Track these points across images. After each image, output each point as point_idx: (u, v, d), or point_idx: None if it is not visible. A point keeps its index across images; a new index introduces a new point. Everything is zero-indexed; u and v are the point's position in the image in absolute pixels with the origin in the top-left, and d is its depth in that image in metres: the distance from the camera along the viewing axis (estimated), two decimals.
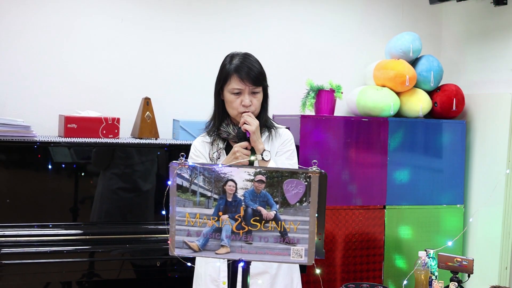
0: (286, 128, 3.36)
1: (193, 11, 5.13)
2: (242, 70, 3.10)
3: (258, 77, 3.12)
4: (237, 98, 3.13)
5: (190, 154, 3.29)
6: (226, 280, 3.07)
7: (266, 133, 3.24)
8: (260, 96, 3.17)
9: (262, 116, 3.21)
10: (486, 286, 3.17)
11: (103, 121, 4.51)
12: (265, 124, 3.24)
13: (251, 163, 3.01)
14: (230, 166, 2.30)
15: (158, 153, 4.49)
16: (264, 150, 3.06)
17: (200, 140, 3.30)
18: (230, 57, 3.20)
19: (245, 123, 3.06)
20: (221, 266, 3.15)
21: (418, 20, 5.69)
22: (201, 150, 3.25)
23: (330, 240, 4.73)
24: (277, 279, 3.23)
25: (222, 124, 3.21)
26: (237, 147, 3.05)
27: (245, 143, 3.05)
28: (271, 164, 3.05)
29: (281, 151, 3.24)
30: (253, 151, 3.06)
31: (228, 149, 3.20)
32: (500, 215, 4.78)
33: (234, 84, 3.12)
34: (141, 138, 4.62)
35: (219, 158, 3.19)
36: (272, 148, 3.22)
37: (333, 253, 4.74)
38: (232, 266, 2.38)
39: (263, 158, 3.04)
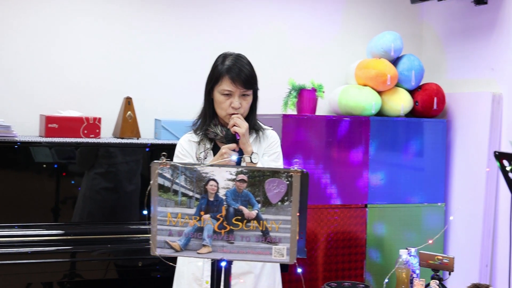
0: (273, 129, 3.36)
1: (175, 10, 5.12)
2: (234, 72, 3.10)
3: (249, 80, 3.12)
4: (227, 100, 3.12)
5: (176, 152, 3.27)
6: (209, 279, 3.08)
7: (254, 135, 3.24)
8: (250, 99, 3.17)
9: (250, 118, 3.21)
10: (467, 284, 3.19)
11: (84, 121, 4.50)
12: (253, 126, 3.24)
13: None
14: (211, 165, 2.30)
15: (141, 153, 4.48)
16: (253, 152, 3.07)
17: (186, 139, 3.28)
18: (223, 57, 3.19)
19: (235, 125, 3.07)
20: (205, 265, 3.15)
21: (399, 19, 5.71)
22: (188, 149, 3.24)
23: (312, 239, 4.73)
24: (261, 279, 3.23)
25: (210, 124, 3.20)
26: (225, 148, 3.05)
27: (233, 145, 3.06)
28: (258, 166, 3.06)
29: (267, 153, 3.25)
30: (240, 153, 3.07)
31: (215, 149, 3.19)
32: (481, 213, 4.81)
33: (225, 85, 3.11)
34: (122, 138, 4.60)
35: (205, 158, 3.19)
36: (259, 150, 3.22)
37: (315, 252, 4.75)
38: (215, 266, 2.38)
39: (251, 161, 3.05)
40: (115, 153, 4.41)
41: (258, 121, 3.29)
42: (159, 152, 2.36)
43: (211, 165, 2.31)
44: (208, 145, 3.21)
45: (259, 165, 3.07)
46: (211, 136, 3.19)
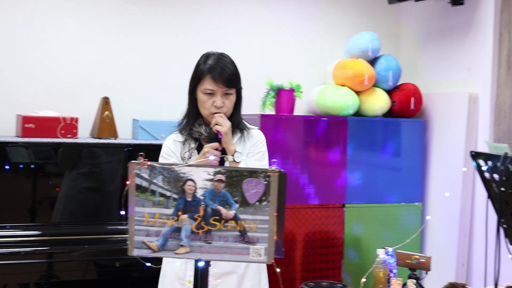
0: (259, 129, 3.36)
1: (153, 10, 5.11)
2: (215, 71, 3.10)
3: (231, 79, 3.12)
4: (209, 99, 3.13)
5: (162, 152, 3.28)
6: (192, 279, 3.07)
7: (238, 134, 3.24)
8: (232, 98, 3.17)
9: (234, 117, 3.21)
10: (444, 283, 3.21)
11: (61, 121, 4.47)
12: (237, 125, 3.23)
13: (222, 164, 3.02)
14: (189, 165, 2.30)
15: (121, 153, 4.46)
16: (236, 151, 3.07)
17: (172, 139, 3.28)
18: (205, 56, 3.19)
19: (216, 124, 3.07)
20: (188, 265, 3.14)
21: (377, 19, 5.73)
22: (173, 149, 3.24)
23: (290, 239, 4.74)
24: (244, 279, 3.22)
25: (194, 124, 3.20)
26: (208, 148, 3.05)
27: (215, 144, 3.06)
28: (242, 165, 3.05)
29: (252, 152, 3.24)
30: (224, 152, 3.07)
31: (200, 149, 3.18)
32: (457, 213, 4.85)
33: (207, 84, 3.11)
34: (100, 138, 4.58)
35: (190, 158, 3.18)
36: (244, 150, 3.22)
37: (293, 252, 4.76)
38: (197, 266, 2.38)
39: (234, 160, 3.05)
40: (95, 153, 4.39)
41: (244, 121, 3.29)
42: (139, 152, 2.35)
43: (189, 165, 2.30)
44: (193, 145, 3.21)
45: (242, 164, 3.06)
46: (195, 136, 3.19)
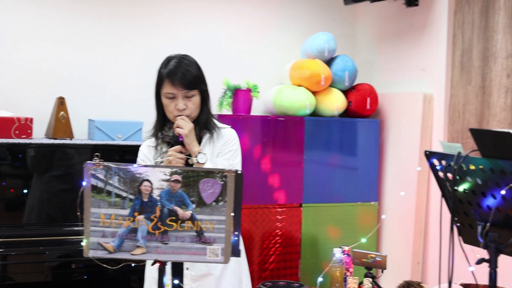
0: (231, 128, 3.36)
1: (108, 10, 5.06)
2: (174, 75, 3.11)
3: (191, 81, 3.13)
4: (172, 102, 3.14)
5: (137, 158, 3.30)
6: (170, 282, 3.06)
7: (208, 135, 3.24)
8: (196, 99, 3.17)
9: (201, 118, 3.21)
10: (399, 281, 3.24)
11: (15, 121, 4.41)
12: (206, 125, 3.23)
13: (189, 166, 3.02)
14: (145, 166, 2.29)
15: (77, 153, 4.43)
16: (199, 152, 3.07)
17: (146, 144, 3.31)
18: (167, 60, 3.21)
19: (177, 127, 3.07)
20: (166, 268, 3.14)
21: (333, 20, 5.77)
22: (147, 154, 3.27)
23: (247, 239, 4.74)
24: (222, 280, 3.21)
25: (164, 128, 3.21)
26: (171, 151, 3.06)
27: (178, 147, 3.07)
28: (208, 166, 3.05)
29: (223, 151, 3.24)
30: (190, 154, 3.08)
31: None
32: (413, 212, 4.90)
33: (167, 88, 3.13)
34: (55, 139, 4.53)
35: (162, 162, 3.18)
36: (214, 150, 3.22)
37: (250, 252, 4.76)
38: (174, 269, 2.38)
39: (198, 161, 3.05)
40: (48, 154, 4.35)
41: (215, 120, 3.29)
42: (95, 153, 2.34)
43: (145, 166, 2.30)
44: (165, 149, 3.21)
45: (207, 165, 3.06)
46: (166, 140, 3.20)
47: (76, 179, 4.38)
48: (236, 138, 3.32)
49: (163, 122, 3.23)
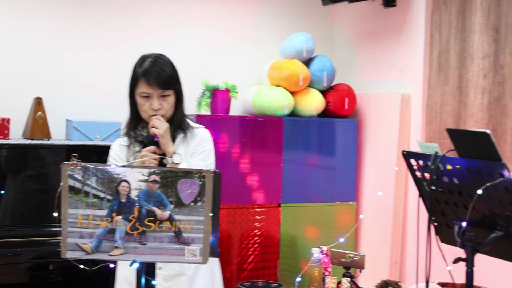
0: (205, 128, 3.35)
1: (86, 9, 5.04)
2: (149, 74, 3.09)
3: (166, 81, 3.11)
4: (146, 102, 3.12)
5: (109, 157, 3.27)
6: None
7: (181, 135, 3.23)
8: (170, 99, 3.15)
9: (175, 117, 3.20)
10: (378, 281, 3.26)
11: None
12: (180, 125, 3.22)
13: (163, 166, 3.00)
14: (123, 166, 2.29)
15: (54, 154, 4.40)
16: (175, 153, 3.06)
17: (118, 143, 3.28)
18: (142, 59, 3.18)
19: (153, 127, 3.06)
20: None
21: (312, 20, 5.78)
22: (119, 154, 3.24)
23: (226, 239, 4.74)
24: (195, 280, 3.20)
25: (137, 127, 3.19)
26: (145, 151, 3.04)
27: (152, 148, 3.06)
28: (182, 166, 3.04)
29: (197, 151, 3.23)
30: (165, 154, 3.06)
31: None
32: (390, 211, 4.92)
33: (142, 88, 3.11)
34: (32, 139, 4.51)
35: (134, 162, 3.16)
36: (188, 150, 3.21)
37: (229, 252, 4.76)
38: (147, 269, 2.37)
39: (173, 161, 3.04)
40: (26, 154, 4.32)
41: (188, 120, 3.28)
42: (72, 153, 2.33)
43: (123, 166, 2.29)
44: (138, 148, 3.19)
45: (182, 165, 3.05)
46: (140, 139, 3.18)
47: (52, 179, 4.36)
48: (210, 138, 3.32)
49: (136, 121, 3.21)
